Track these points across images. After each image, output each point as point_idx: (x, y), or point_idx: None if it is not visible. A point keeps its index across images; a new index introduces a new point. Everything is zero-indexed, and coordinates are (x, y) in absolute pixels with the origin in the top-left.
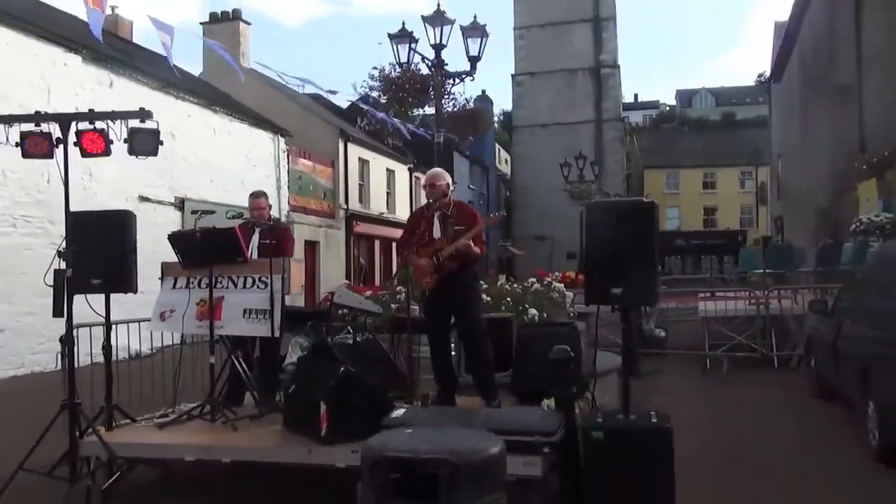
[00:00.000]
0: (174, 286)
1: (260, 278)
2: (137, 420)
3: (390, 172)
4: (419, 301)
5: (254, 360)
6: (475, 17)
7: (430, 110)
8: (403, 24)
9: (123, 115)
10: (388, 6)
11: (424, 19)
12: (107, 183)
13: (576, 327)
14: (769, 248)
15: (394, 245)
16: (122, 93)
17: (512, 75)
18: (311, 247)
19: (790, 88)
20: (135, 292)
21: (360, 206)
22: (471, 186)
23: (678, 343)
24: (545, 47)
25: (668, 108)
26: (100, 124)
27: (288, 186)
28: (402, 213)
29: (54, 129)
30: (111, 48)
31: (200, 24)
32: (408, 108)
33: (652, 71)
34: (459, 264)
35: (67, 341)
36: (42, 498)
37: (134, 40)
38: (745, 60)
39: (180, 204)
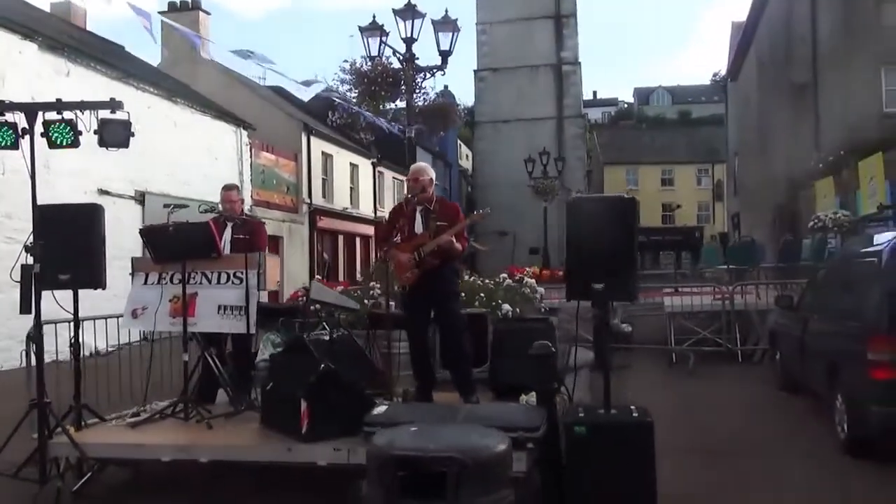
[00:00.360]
0: (146, 282)
1: (234, 274)
2: (107, 419)
3: (354, 167)
4: (398, 296)
5: (226, 357)
6: (446, 10)
7: (402, 104)
8: (374, 17)
9: (93, 106)
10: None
11: (396, 12)
12: (66, 176)
13: (551, 323)
14: (731, 245)
15: (357, 240)
16: (80, 82)
17: (474, 71)
18: (274, 242)
19: (747, 87)
20: (104, 288)
21: (324, 201)
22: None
23: (643, 338)
24: (507, 43)
25: (626, 106)
26: (68, 114)
27: (251, 180)
28: (366, 208)
29: (20, 119)
30: (67, 36)
31: (159, 13)
32: (380, 102)
33: (610, 69)
34: (441, 260)
35: (36, 339)
36: (10, 500)
37: (87, 28)
38: (701, 59)
39: (141, 197)
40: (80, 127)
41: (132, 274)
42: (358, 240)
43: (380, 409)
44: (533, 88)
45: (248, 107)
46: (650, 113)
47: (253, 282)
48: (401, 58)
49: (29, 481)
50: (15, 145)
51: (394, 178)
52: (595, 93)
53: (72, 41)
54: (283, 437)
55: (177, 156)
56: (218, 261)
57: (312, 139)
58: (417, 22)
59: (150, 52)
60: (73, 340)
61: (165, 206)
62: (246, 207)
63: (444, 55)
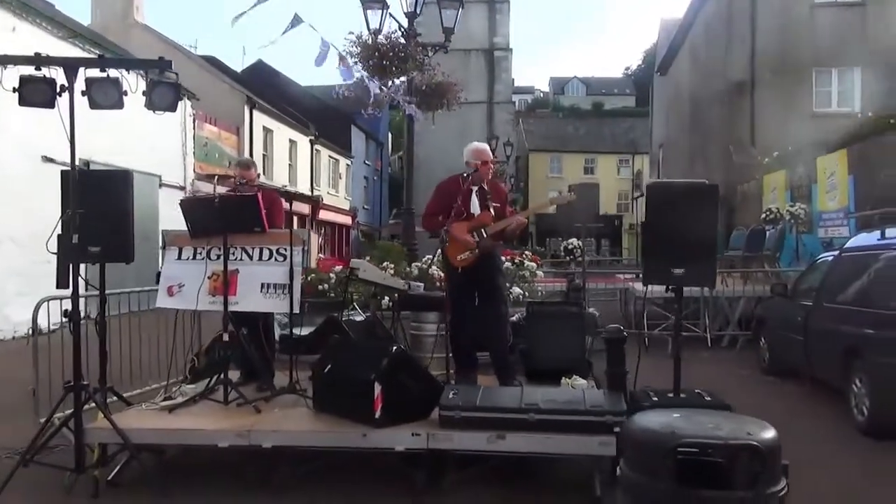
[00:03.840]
0: (179, 257)
1: (278, 250)
2: (132, 403)
3: (293, 143)
4: (446, 275)
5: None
6: None
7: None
8: None
9: (140, 65)
10: None
11: None
12: (9, 140)
13: (583, 307)
14: None
15: (294, 219)
16: (26, 39)
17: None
18: None
19: (678, 81)
20: (132, 261)
21: (264, 178)
22: (366, 162)
23: (605, 322)
24: (441, 26)
25: (542, 95)
26: (113, 73)
27: (194, 153)
28: (303, 186)
29: (58, 75)
30: None
31: None
32: (390, 77)
33: (525, 57)
34: (498, 242)
35: (74, 316)
36: (38, 490)
37: None
38: (610, 52)
39: (86, 166)
40: (125, 87)
41: (163, 248)
42: (295, 219)
43: (451, 393)
44: (465, 72)
45: (185, 76)
46: (566, 103)
47: (298, 259)
48: (403, 33)
49: (51, 467)
50: (51, 103)
51: (329, 156)
52: (513, 80)
53: None
54: (348, 422)
55: (121, 124)
56: (260, 236)
57: (255, 113)
58: None
59: (77, 12)
60: (98, 318)
61: (210, 176)
62: (188, 181)
63: (448, 32)
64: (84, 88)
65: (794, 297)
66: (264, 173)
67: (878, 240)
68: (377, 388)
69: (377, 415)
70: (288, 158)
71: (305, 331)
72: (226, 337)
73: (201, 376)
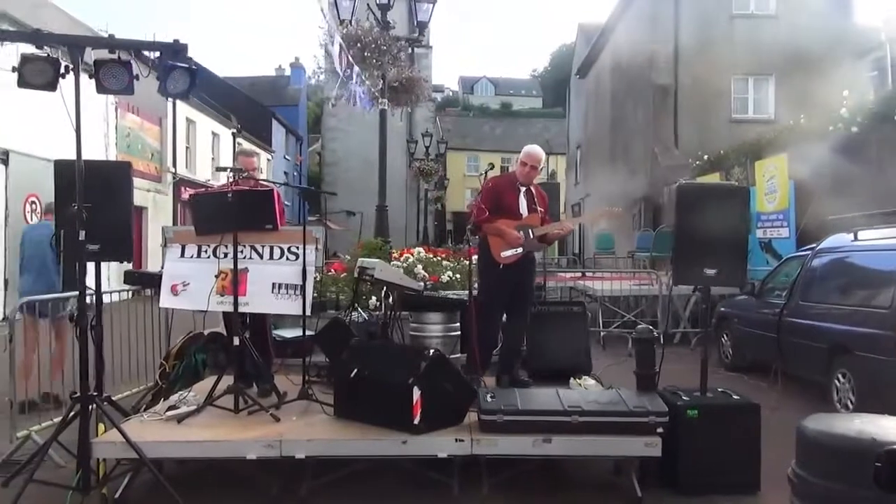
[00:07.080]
0: (182, 255)
1: (289, 248)
2: (129, 413)
3: (215, 136)
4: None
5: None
6: None
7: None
8: None
9: (153, 46)
10: None
11: None
12: None
13: (585, 306)
14: (659, 234)
15: None
16: None
17: (326, 48)
18: (139, 213)
19: (599, 84)
20: (131, 260)
21: (187, 171)
22: (286, 157)
23: None
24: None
25: (451, 93)
26: (124, 55)
27: (116, 144)
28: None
29: (62, 55)
30: None
31: None
32: (370, 70)
33: (436, 55)
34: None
35: (81, 321)
36: None
37: None
38: (517, 55)
39: (5, 156)
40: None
41: (164, 245)
42: None
43: (489, 397)
44: None
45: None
46: (475, 102)
47: (311, 258)
48: (378, 25)
49: (45, 485)
50: (52, 85)
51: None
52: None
53: None
54: (379, 428)
55: (41, 112)
56: (270, 234)
57: (178, 102)
58: None
59: None
60: (94, 321)
61: (219, 169)
62: None
63: (421, 26)
64: (92, 71)
65: (761, 295)
66: (187, 167)
67: (852, 241)
68: (416, 393)
69: (416, 420)
70: (210, 151)
71: (291, 334)
72: (236, 341)
73: (176, 382)
